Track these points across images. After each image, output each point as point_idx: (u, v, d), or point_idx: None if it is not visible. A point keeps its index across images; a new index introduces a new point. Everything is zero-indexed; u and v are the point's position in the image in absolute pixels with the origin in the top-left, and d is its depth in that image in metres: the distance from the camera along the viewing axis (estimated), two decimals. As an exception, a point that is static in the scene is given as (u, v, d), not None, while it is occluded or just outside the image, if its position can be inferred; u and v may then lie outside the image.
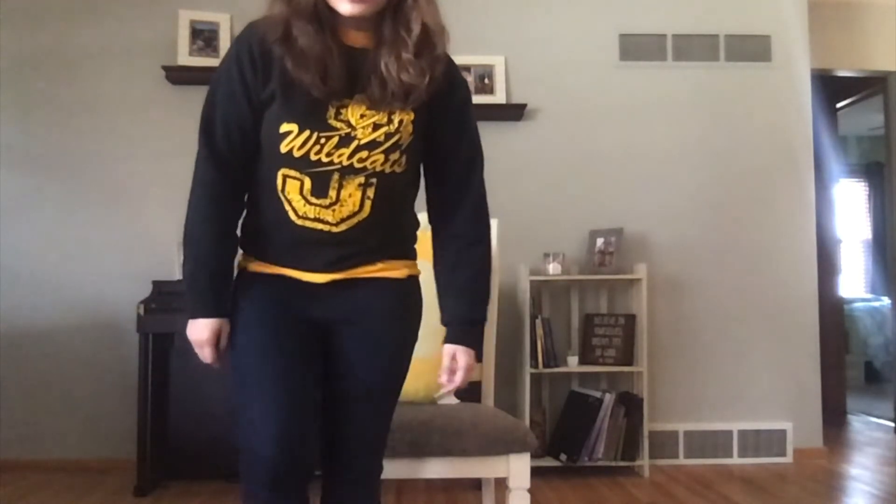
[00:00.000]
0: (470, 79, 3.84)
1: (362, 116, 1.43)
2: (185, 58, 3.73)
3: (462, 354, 1.55)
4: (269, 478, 1.41)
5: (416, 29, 1.40)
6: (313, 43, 1.38)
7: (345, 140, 1.41)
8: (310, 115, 1.41)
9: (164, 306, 3.27)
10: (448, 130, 1.53)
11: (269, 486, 1.42)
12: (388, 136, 1.43)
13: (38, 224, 3.72)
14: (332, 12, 1.41)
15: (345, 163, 1.42)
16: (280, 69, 1.40)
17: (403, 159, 1.46)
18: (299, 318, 1.48)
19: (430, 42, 1.42)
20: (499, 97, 3.85)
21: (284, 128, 1.41)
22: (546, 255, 3.66)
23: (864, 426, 4.90)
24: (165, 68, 3.70)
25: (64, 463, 3.61)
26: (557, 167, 3.88)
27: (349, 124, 1.42)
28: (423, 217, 1.63)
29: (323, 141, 1.41)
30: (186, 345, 1.50)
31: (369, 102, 1.42)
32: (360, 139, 1.42)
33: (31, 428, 3.64)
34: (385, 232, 1.50)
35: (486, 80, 3.86)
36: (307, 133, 1.40)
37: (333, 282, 1.48)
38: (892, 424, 4.70)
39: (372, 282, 1.50)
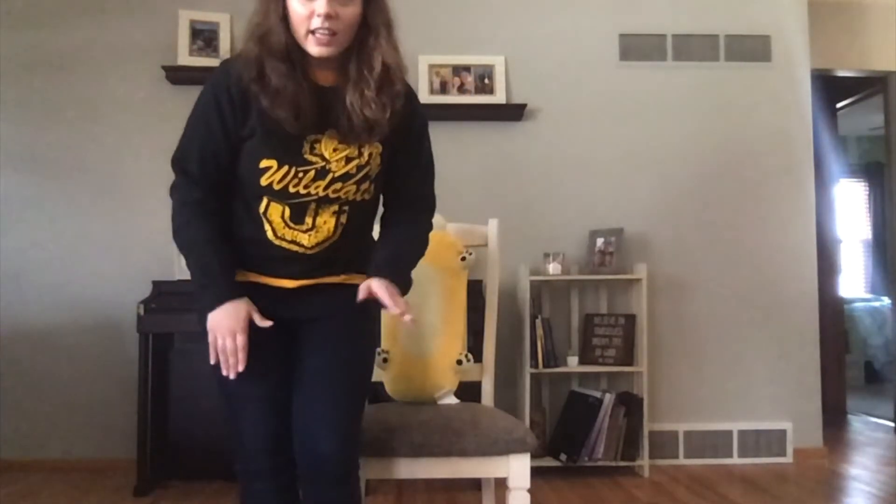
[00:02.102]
0: (470, 79, 3.85)
1: (335, 150, 1.55)
2: (185, 58, 3.73)
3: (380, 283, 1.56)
4: (259, 471, 1.58)
5: (377, 67, 1.53)
6: (286, 82, 1.48)
7: (321, 173, 1.54)
8: (287, 151, 1.52)
9: (164, 306, 3.26)
10: (408, 152, 1.66)
11: (258, 476, 1.58)
12: (360, 168, 1.57)
13: (37, 224, 3.72)
14: (302, 53, 1.52)
15: (321, 194, 1.54)
16: (258, 108, 1.49)
17: (372, 188, 1.61)
18: (270, 320, 1.57)
19: (390, 79, 1.54)
20: (499, 97, 3.85)
21: (264, 163, 1.51)
22: (546, 255, 3.66)
23: (864, 426, 4.90)
24: (165, 68, 3.70)
25: (64, 463, 3.61)
26: (557, 167, 3.88)
27: (323, 158, 1.55)
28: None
29: (301, 175, 1.53)
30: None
31: (340, 137, 1.55)
32: (334, 172, 1.55)
33: (32, 428, 3.65)
34: (350, 251, 1.63)
35: (486, 80, 3.86)
36: (286, 168, 1.52)
37: (302, 287, 1.60)
38: (892, 424, 4.70)
39: (335, 286, 1.63)
